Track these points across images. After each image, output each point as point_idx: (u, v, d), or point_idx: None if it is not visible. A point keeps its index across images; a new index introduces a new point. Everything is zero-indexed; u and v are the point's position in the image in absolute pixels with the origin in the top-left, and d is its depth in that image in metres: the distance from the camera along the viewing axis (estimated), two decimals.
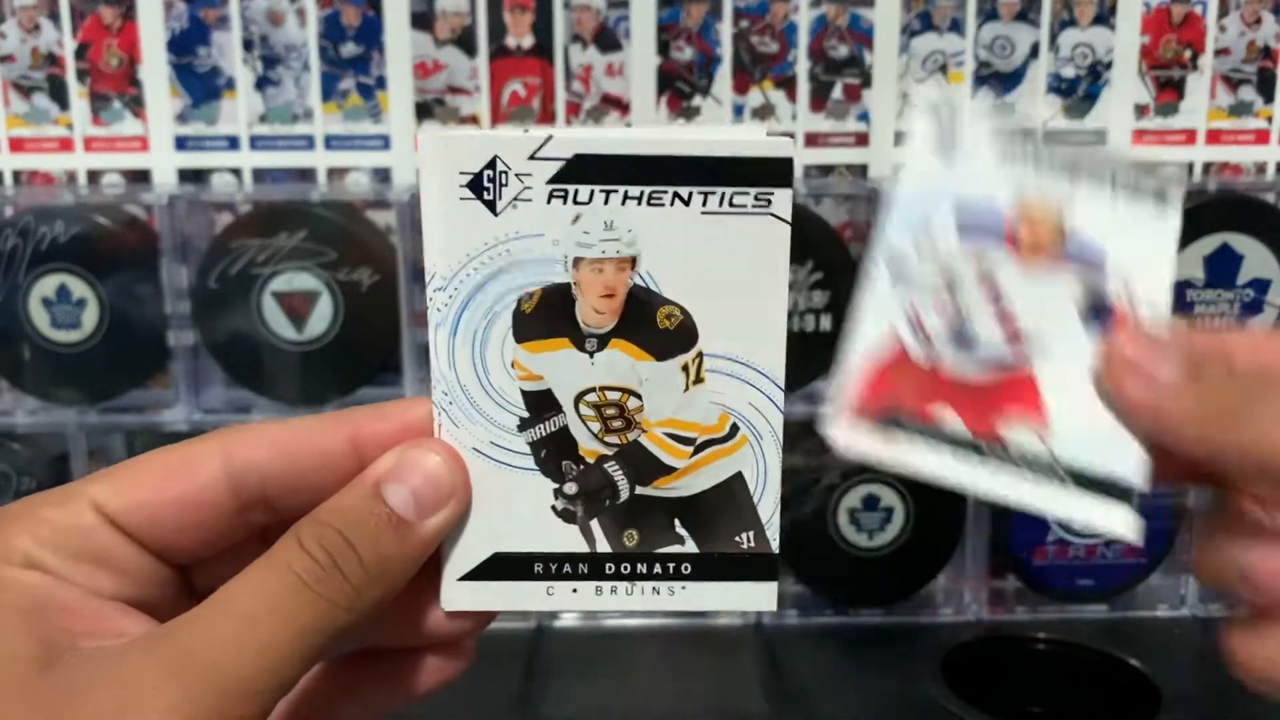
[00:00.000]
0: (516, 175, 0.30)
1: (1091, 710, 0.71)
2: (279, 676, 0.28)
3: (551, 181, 0.30)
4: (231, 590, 0.29)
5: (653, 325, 0.32)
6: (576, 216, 0.31)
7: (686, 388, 0.32)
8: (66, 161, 0.76)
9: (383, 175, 0.76)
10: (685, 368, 0.32)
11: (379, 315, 0.73)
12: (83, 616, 0.29)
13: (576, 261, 0.31)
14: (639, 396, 0.32)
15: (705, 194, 0.31)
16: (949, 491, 0.84)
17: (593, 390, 0.32)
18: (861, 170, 0.76)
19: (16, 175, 0.76)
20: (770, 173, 0.30)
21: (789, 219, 0.31)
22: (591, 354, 0.32)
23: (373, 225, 0.74)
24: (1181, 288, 0.73)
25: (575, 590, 0.33)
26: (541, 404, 0.32)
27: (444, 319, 0.31)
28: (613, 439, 0.32)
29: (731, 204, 0.31)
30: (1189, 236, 0.72)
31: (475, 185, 0.30)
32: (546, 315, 0.32)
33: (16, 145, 0.76)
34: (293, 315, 0.73)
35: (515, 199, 0.31)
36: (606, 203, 0.31)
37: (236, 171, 0.76)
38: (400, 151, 0.76)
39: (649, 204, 0.31)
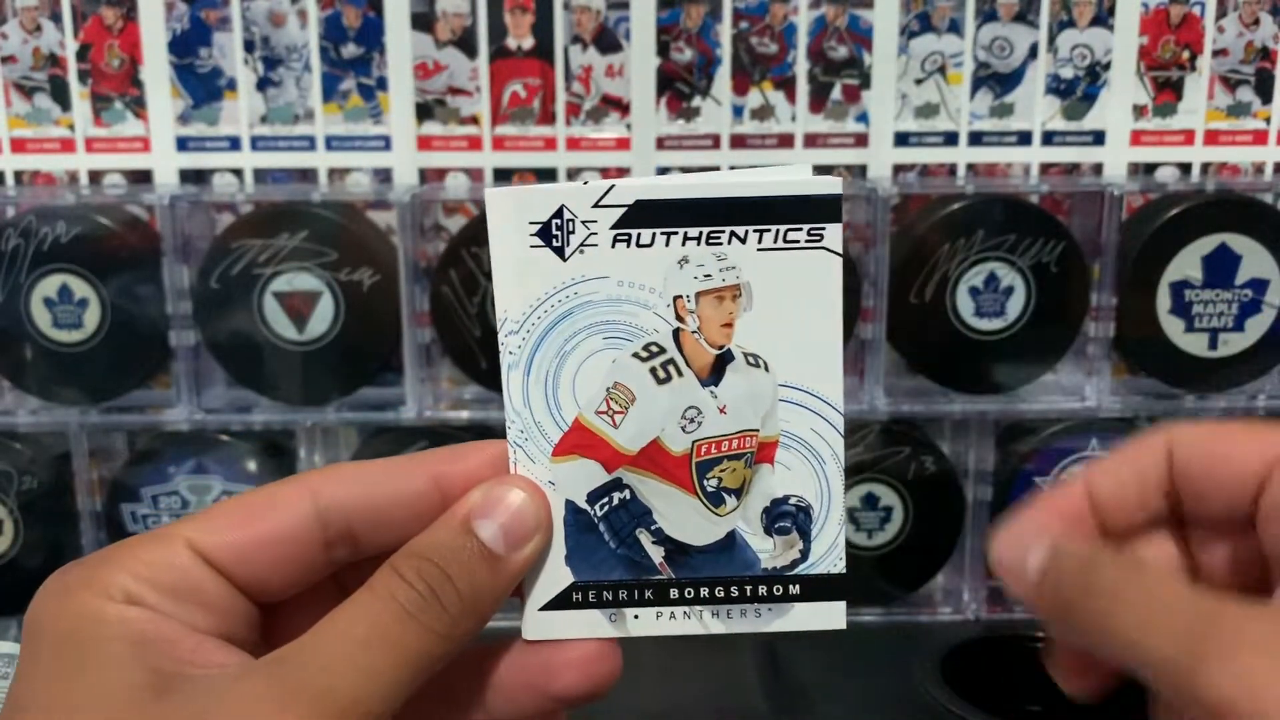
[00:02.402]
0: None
1: (1091, 710, 0.71)
2: (388, 700, 0.29)
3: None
4: (339, 618, 0.30)
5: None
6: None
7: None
8: (68, 162, 0.76)
9: (383, 176, 0.76)
10: None
11: (380, 315, 0.73)
12: (184, 649, 0.29)
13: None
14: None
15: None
16: (949, 491, 0.83)
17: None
18: (861, 171, 0.77)
19: (18, 176, 0.77)
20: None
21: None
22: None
23: (373, 225, 0.75)
24: (1180, 288, 0.73)
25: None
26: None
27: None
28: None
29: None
30: (1189, 236, 0.72)
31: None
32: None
33: (18, 146, 0.76)
34: (294, 315, 0.73)
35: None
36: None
37: (238, 172, 0.76)
38: (400, 152, 0.76)
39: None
